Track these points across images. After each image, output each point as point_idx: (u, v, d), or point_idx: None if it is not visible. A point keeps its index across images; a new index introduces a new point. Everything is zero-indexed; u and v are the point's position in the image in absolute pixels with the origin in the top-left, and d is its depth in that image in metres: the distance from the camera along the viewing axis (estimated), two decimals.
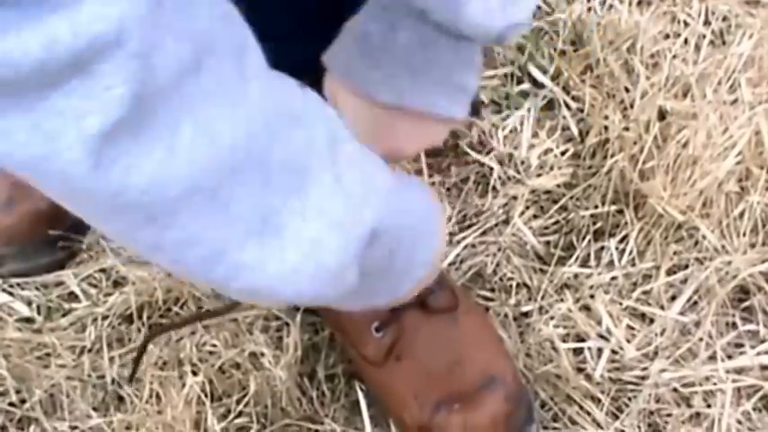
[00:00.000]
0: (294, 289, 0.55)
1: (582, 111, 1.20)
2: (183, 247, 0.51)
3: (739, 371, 1.00)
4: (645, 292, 1.05)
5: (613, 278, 1.06)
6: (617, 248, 1.08)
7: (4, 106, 0.43)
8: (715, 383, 0.98)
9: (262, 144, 0.50)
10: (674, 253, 1.07)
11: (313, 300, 0.58)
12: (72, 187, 0.46)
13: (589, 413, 0.96)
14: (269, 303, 0.56)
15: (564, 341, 1.01)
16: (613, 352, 1.01)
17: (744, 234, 1.08)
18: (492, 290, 1.06)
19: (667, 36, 1.27)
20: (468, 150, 1.16)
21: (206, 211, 0.49)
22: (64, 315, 1.03)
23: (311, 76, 0.73)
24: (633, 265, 1.07)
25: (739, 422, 0.97)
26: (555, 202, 1.13)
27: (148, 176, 0.46)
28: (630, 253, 1.08)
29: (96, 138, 0.44)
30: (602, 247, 1.09)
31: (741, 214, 1.09)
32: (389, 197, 0.59)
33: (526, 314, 1.04)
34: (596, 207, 1.11)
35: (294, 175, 0.52)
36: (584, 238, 1.09)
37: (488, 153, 1.16)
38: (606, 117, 1.15)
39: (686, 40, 1.26)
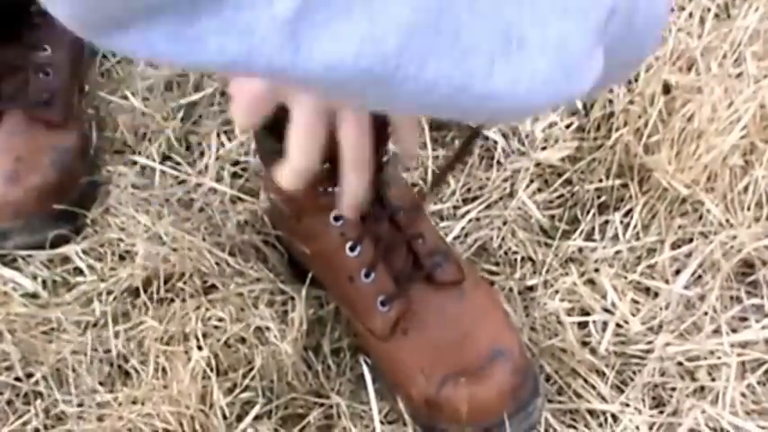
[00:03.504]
0: (545, 100, 0.49)
1: None
2: (420, 95, 0.45)
3: (744, 345, 1.00)
4: (649, 266, 1.05)
5: (618, 252, 1.06)
6: (622, 222, 1.08)
7: (194, 12, 0.38)
8: (719, 357, 0.98)
9: None
10: (679, 227, 1.07)
11: (566, 102, 0.53)
12: (286, 77, 0.41)
13: (594, 387, 0.97)
14: (509, 120, 0.52)
15: (569, 315, 1.01)
16: (618, 326, 1.01)
17: (748, 208, 1.08)
18: (497, 264, 1.06)
19: (672, 9, 1.26)
20: (472, 123, 1.16)
21: (435, 50, 0.44)
22: (69, 290, 1.03)
23: None
24: (638, 238, 1.07)
25: (744, 396, 0.97)
26: (559, 175, 1.12)
27: (358, 38, 0.41)
28: (635, 227, 1.07)
29: (291, 20, 0.39)
30: (607, 221, 1.09)
31: (746, 188, 1.09)
32: None
33: (531, 288, 1.04)
34: (601, 181, 1.11)
35: None
36: (588, 211, 1.09)
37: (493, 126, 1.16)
38: (611, 90, 1.15)
39: (691, 14, 1.25)
